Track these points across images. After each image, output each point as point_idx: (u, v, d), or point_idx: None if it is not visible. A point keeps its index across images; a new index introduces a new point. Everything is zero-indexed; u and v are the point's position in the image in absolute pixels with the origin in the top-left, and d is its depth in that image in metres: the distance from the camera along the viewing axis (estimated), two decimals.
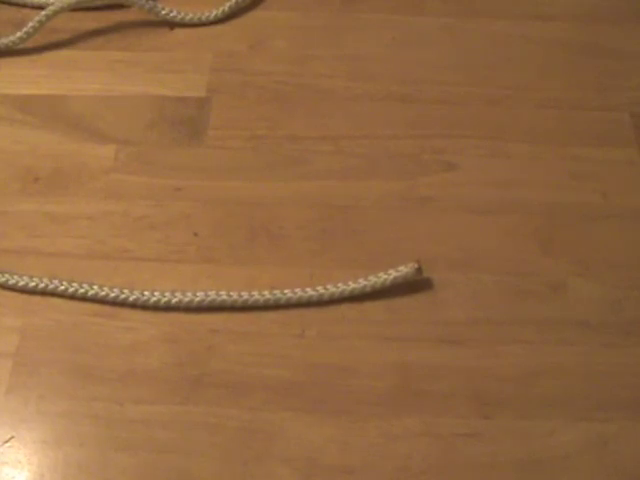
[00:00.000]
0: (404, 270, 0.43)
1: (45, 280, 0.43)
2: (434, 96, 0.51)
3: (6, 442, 0.39)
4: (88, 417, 0.39)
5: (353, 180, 0.48)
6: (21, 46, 0.53)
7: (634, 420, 0.39)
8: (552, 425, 0.39)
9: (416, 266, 0.43)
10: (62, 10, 0.53)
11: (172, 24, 0.55)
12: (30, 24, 0.53)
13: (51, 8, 0.53)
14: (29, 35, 0.53)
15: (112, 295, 0.42)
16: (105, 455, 0.38)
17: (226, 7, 0.55)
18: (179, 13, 0.54)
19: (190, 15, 0.54)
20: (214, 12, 0.55)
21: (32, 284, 0.43)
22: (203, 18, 0.55)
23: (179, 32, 0.55)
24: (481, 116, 0.50)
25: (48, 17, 0.53)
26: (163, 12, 0.54)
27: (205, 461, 0.38)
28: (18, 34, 0.53)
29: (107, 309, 0.43)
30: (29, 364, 0.41)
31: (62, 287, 0.43)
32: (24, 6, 0.56)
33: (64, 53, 0.53)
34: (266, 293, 0.42)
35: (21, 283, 0.43)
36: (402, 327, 0.42)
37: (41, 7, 0.55)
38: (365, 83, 0.52)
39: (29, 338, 0.42)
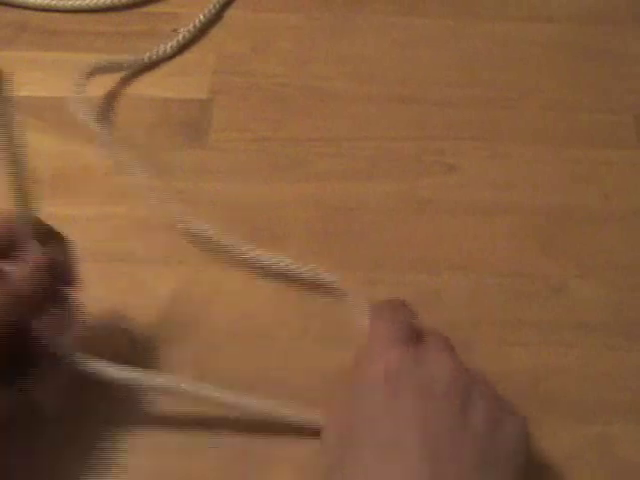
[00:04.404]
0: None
1: None
2: (435, 98, 0.51)
3: None
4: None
5: (354, 182, 0.48)
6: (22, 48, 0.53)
7: (635, 422, 0.39)
8: (553, 427, 0.39)
9: None
10: None
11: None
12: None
13: None
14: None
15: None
16: None
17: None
18: None
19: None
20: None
21: None
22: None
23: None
24: (482, 118, 0.50)
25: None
26: None
27: (205, 461, 0.38)
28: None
29: None
30: None
31: None
32: (26, 8, 0.56)
33: (65, 55, 0.53)
34: None
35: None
36: None
37: (43, 9, 0.55)
38: (367, 85, 0.52)
39: None
